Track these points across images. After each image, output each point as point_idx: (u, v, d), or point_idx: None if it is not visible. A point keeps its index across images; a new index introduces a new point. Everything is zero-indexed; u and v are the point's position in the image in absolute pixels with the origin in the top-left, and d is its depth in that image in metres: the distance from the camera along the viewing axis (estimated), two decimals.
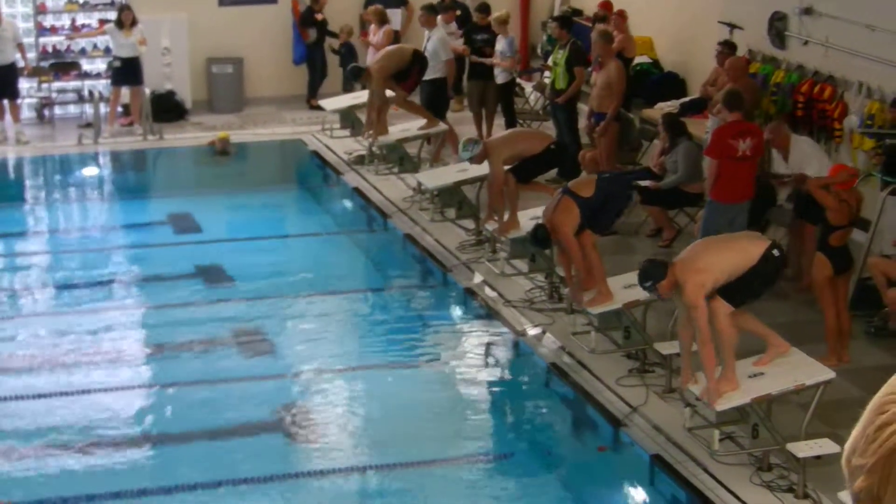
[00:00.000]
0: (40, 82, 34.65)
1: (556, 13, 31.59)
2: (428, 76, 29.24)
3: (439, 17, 30.49)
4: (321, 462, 18.82)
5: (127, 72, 32.74)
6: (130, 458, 18.69)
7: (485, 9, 30.72)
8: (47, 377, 20.98)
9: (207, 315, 23.34)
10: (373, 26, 32.36)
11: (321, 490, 18.27)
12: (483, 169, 24.04)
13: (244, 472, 17.94)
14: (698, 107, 27.25)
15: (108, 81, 33.63)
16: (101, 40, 34.56)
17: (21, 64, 33.21)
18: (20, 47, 33.17)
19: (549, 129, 28.16)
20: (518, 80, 30.67)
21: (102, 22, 33.99)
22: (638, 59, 30.28)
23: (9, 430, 19.31)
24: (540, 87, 30.18)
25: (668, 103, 28.33)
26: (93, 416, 19.55)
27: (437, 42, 29.47)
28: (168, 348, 22.09)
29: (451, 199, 25.26)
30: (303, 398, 20.44)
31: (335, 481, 18.49)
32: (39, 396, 20.16)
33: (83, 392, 20.33)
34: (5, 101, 32.71)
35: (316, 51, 34.15)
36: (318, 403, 20.33)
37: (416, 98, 29.36)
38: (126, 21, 32.64)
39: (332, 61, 34.28)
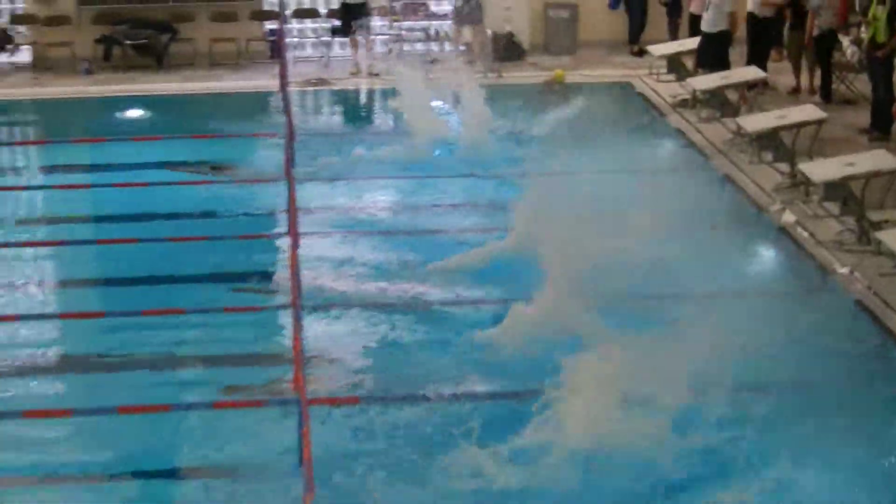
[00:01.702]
0: (392, 21, 36.09)
1: None
2: (712, 29, 29.94)
3: None
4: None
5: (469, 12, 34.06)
6: None
7: None
8: None
9: None
10: None
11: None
12: (801, 114, 25.11)
13: None
14: None
15: (451, 21, 35.12)
16: None
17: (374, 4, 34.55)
18: None
19: (865, 82, 28.50)
20: (837, 33, 29.93)
21: None
22: None
23: None
24: (857, 41, 29.75)
25: None
26: None
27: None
28: None
29: (768, 143, 25.17)
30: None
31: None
32: None
33: None
34: (360, 37, 34.30)
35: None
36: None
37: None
38: None
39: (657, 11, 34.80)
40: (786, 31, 31.10)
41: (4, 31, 35.91)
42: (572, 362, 16.43)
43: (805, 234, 21.77)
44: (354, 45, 34.93)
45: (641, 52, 33.23)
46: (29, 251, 24.80)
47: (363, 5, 34.18)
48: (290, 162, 18.88)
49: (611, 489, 15.37)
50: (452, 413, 16.99)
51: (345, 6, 34.34)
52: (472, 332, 19.47)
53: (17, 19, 36.63)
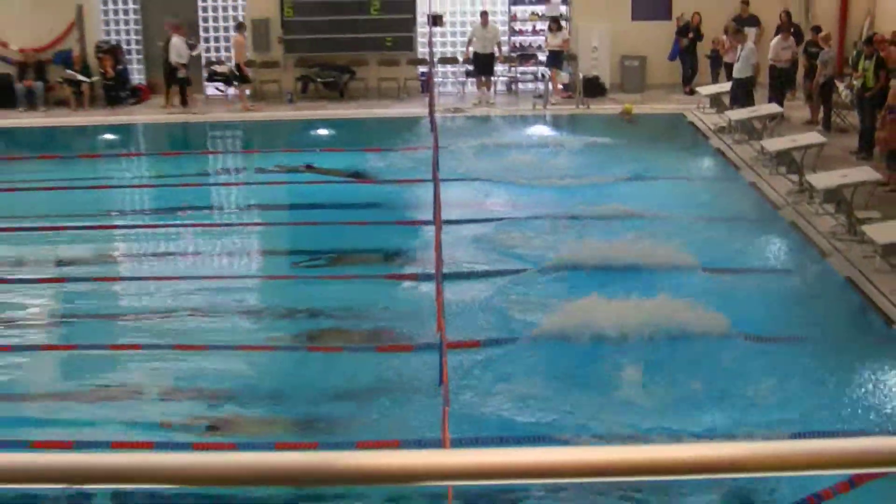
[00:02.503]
0: (510, 67, 36.12)
1: (864, 37, 30.73)
2: (741, 75, 30.18)
3: (778, 36, 30.93)
4: None
5: (555, 59, 34.41)
6: None
7: (817, 29, 31.01)
8: None
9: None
10: (728, 39, 32.61)
11: None
12: (808, 139, 25.01)
13: None
14: None
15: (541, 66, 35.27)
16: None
17: (497, 54, 34.86)
18: (498, 44, 34.75)
19: (855, 116, 28.43)
20: (835, 80, 30.03)
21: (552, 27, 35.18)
22: None
23: None
24: (850, 87, 29.49)
25: None
26: None
27: (749, 51, 30.23)
28: None
29: (783, 159, 25.02)
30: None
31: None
32: None
33: None
34: (485, 78, 34.53)
35: (686, 53, 34.44)
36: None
37: None
38: (554, 27, 34.33)
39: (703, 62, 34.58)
40: (802, 79, 30.99)
41: (232, 71, 36.29)
42: None
43: (808, 226, 21.59)
44: (480, 84, 35.01)
45: (691, 92, 33.31)
46: (256, 229, 25.06)
47: (490, 55, 34.42)
48: (435, 167, 19.05)
49: None
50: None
51: (476, 56, 34.32)
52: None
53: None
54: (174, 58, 34.55)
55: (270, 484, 3.11)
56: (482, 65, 34.78)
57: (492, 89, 35.55)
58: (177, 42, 34.39)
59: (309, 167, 28.72)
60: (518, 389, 15.64)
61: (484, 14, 34.76)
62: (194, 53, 35.22)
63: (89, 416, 16.06)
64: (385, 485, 2.98)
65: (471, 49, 34.85)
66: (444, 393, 12.30)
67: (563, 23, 35.04)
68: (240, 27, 35.06)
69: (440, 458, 3.06)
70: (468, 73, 35.51)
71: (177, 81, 35.06)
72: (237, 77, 35.39)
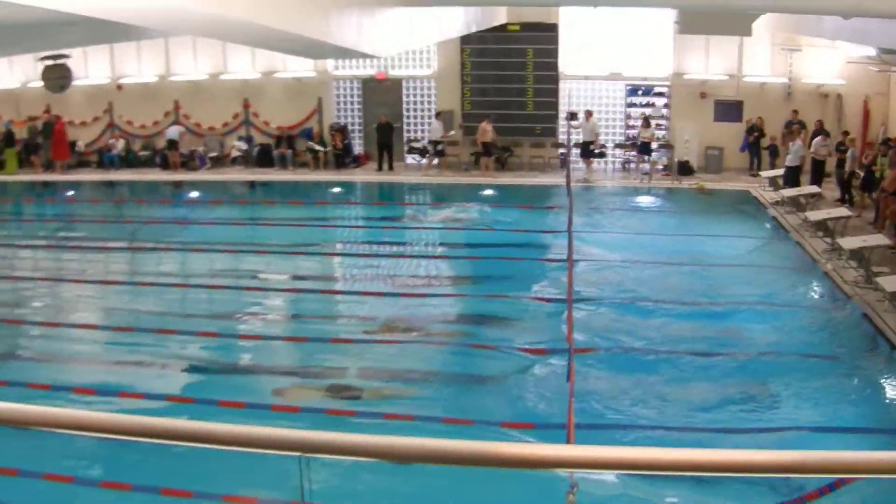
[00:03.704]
0: (624, 151, 36.01)
1: (879, 140, 30.54)
2: (791, 164, 30.28)
3: (819, 137, 30.64)
4: None
5: (645, 148, 34.41)
6: None
7: (845, 133, 30.83)
8: None
9: None
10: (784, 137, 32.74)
11: None
12: (838, 212, 24.91)
13: None
14: None
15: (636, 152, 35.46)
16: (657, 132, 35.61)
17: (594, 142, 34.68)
18: (596, 136, 34.85)
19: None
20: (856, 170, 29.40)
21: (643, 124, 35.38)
22: None
23: None
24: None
25: None
26: None
27: (798, 147, 30.29)
28: None
29: (821, 226, 24.94)
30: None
31: None
32: None
33: None
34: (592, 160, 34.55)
35: (753, 146, 34.05)
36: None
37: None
38: (644, 124, 34.41)
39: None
40: (834, 169, 30.67)
41: (425, 147, 36.78)
42: None
43: (837, 276, 21.48)
44: (588, 163, 35.00)
45: (755, 175, 33.13)
46: (435, 261, 25.26)
47: (590, 142, 34.62)
48: (570, 222, 19.30)
49: None
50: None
51: (584, 143, 34.44)
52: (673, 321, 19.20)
53: (432, 142, 37.05)
54: (433, 136, 35.14)
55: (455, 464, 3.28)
56: (585, 149, 34.75)
57: (594, 168, 35.41)
58: (436, 126, 35.02)
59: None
60: (623, 386, 15.88)
61: (589, 112, 34.90)
62: (450, 134, 35.58)
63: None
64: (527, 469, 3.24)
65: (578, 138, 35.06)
66: (570, 388, 12.10)
67: (651, 121, 35.06)
68: (488, 118, 35.26)
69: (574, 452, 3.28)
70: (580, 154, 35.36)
71: (437, 154, 35.84)
72: (437, 152, 35.90)
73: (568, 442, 10.53)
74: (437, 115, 35.50)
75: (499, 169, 35.67)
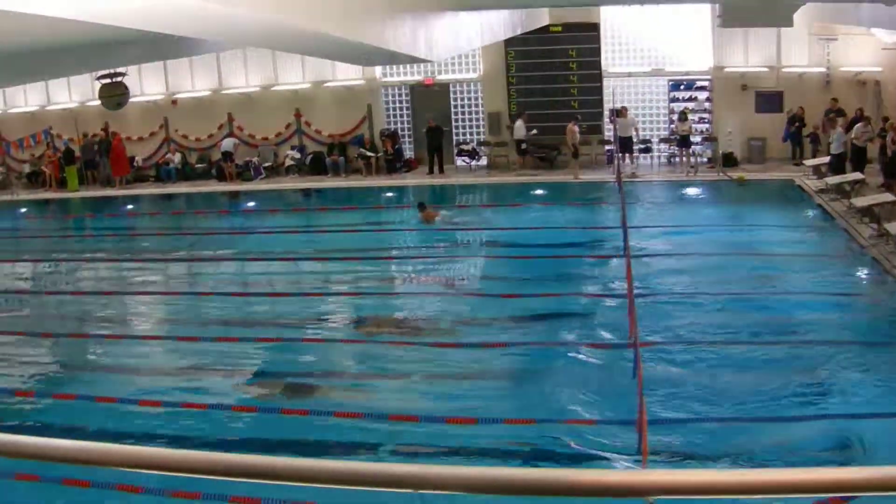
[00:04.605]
0: (669, 146, 35.63)
1: None
2: (835, 151, 29.69)
3: (860, 123, 30.19)
4: None
5: (684, 142, 34.19)
6: None
7: (885, 119, 30.07)
8: None
9: None
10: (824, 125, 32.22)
11: None
12: (883, 197, 24.15)
13: None
14: None
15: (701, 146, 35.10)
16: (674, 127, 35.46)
17: (635, 137, 34.67)
18: (636, 129, 34.63)
19: None
20: None
21: (681, 118, 35.00)
22: None
23: None
24: None
25: None
26: None
27: (840, 134, 29.73)
28: None
29: (866, 212, 24.46)
30: None
31: None
32: None
33: None
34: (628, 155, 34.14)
35: (794, 135, 33.59)
36: None
37: None
38: (682, 118, 34.04)
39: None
40: (877, 155, 29.99)
41: (474, 149, 36.64)
42: None
43: (885, 261, 21.15)
44: (630, 159, 34.68)
45: (799, 164, 32.67)
46: (492, 261, 24.82)
47: (629, 138, 34.33)
48: (624, 217, 19.04)
49: None
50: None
51: (620, 138, 33.92)
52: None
53: (480, 143, 37.09)
54: (517, 135, 34.93)
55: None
56: (623, 145, 34.36)
57: (632, 160, 35.11)
58: (519, 125, 34.81)
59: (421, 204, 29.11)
60: (684, 379, 15.55)
61: (623, 108, 34.54)
62: (532, 133, 35.32)
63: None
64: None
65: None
66: (639, 385, 11.76)
67: (687, 115, 34.62)
68: (575, 119, 35.05)
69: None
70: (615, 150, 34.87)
71: (521, 152, 35.43)
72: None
73: (641, 438, 10.27)
74: (519, 115, 35.17)
75: (547, 168, 35.31)
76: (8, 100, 41.95)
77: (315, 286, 23.23)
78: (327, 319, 20.70)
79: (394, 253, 26.28)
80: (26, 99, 41.74)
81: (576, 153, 34.79)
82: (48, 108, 41.49)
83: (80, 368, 18.92)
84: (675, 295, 20.13)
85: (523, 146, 35.32)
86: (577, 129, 34.70)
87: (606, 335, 17.88)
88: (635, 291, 17.31)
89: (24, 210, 37.56)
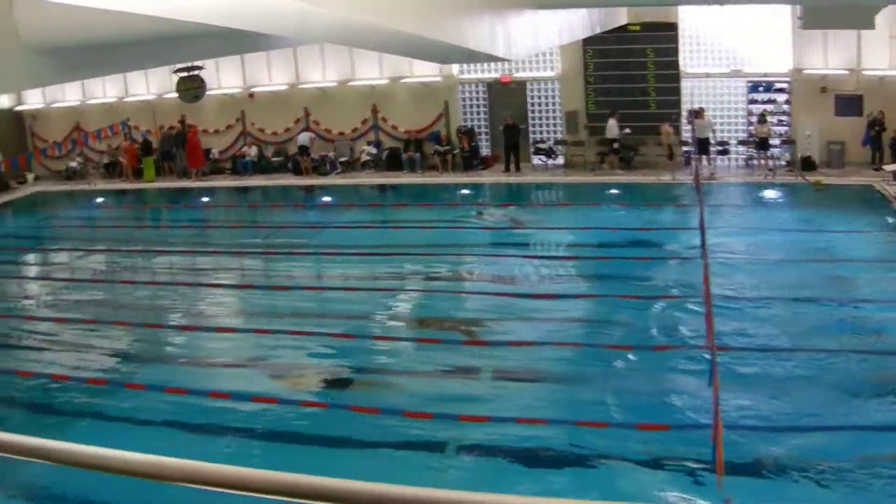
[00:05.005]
0: (747, 148, 34.97)
1: None
2: None
3: None
4: None
5: (763, 145, 33.78)
6: None
7: None
8: None
9: None
10: None
11: None
12: None
13: None
14: None
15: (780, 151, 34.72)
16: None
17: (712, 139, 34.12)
18: (713, 130, 34.13)
19: None
20: None
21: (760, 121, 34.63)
22: None
23: None
24: None
25: None
26: None
27: None
28: None
29: None
30: None
31: None
32: None
33: None
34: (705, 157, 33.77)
35: (874, 140, 32.87)
36: None
37: None
38: (760, 120, 33.52)
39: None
40: None
41: (550, 148, 36.43)
42: None
43: None
44: (706, 160, 34.10)
45: (879, 169, 32.09)
46: (566, 261, 24.43)
47: (706, 139, 33.81)
48: (702, 220, 18.77)
49: None
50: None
51: (697, 140, 33.50)
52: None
53: (558, 142, 36.78)
54: (610, 134, 34.74)
55: None
56: (700, 146, 33.88)
57: (709, 162, 34.56)
58: (612, 123, 34.58)
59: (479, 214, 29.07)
60: (763, 385, 15.31)
61: (701, 109, 34.09)
62: (624, 132, 35.06)
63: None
64: None
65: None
66: (714, 392, 11.54)
67: (766, 117, 34.09)
68: (669, 120, 34.73)
69: None
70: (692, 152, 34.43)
71: (613, 151, 35.05)
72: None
73: (716, 446, 10.04)
74: (612, 114, 34.89)
75: (624, 168, 34.99)
76: (87, 91, 42.52)
77: (386, 282, 23.15)
78: (397, 316, 20.68)
79: (465, 250, 26.10)
80: (105, 90, 42.34)
81: (671, 154, 34.40)
82: (126, 99, 42.03)
83: (151, 359, 19.10)
84: (750, 299, 19.79)
85: (615, 145, 34.95)
86: (671, 129, 34.35)
87: (680, 338, 17.74)
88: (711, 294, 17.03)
89: (100, 200, 38.03)
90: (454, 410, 15.05)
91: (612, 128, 34.78)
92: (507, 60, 14.33)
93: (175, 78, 21.95)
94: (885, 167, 31.57)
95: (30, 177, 42.12)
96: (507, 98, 37.28)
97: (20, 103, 43.57)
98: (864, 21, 26.96)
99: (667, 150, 34.57)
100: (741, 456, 12.73)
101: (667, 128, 34.32)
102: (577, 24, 24.04)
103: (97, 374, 18.14)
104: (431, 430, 14.56)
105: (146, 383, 17.21)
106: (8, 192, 40.02)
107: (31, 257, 30.39)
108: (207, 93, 23.74)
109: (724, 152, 35.00)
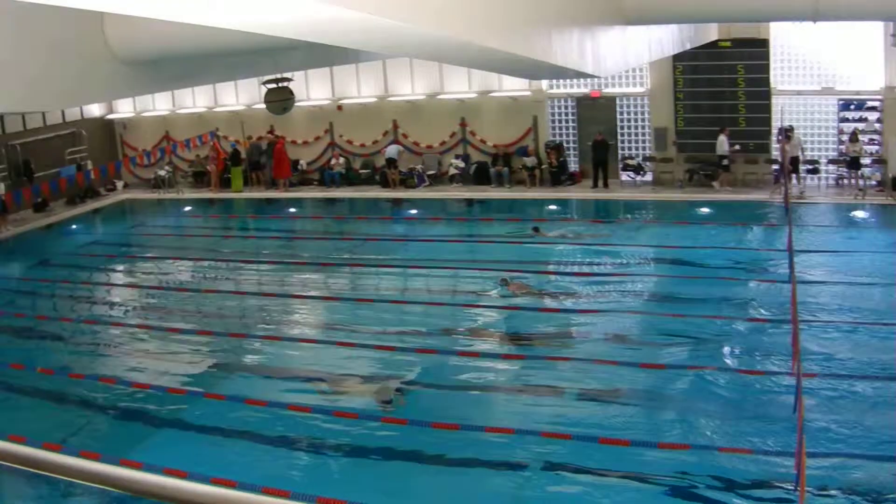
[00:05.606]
0: (837, 167, 34.25)
1: None
2: None
3: None
4: None
5: (854, 163, 33.10)
6: None
7: None
8: None
9: None
10: None
11: None
12: None
13: None
14: None
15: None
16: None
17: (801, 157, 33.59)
18: (801, 149, 33.72)
19: None
20: None
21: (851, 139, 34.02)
22: None
23: None
24: None
25: None
26: None
27: None
28: None
29: None
30: None
31: None
32: None
33: None
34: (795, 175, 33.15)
35: None
36: None
37: None
38: (852, 138, 33.07)
39: None
40: None
41: (639, 164, 36.19)
42: None
43: None
44: (796, 179, 33.52)
45: None
46: (649, 279, 24.20)
47: (796, 158, 33.24)
48: (790, 242, 18.49)
49: None
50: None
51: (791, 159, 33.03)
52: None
53: (646, 158, 36.49)
54: (720, 150, 34.48)
55: None
56: (793, 163, 33.32)
57: (799, 180, 33.88)
58: (722, 139, 34.32)
59: (536, 230, 28.99)
60: (850, 412, 15.05)
61: (790, 128, 33.59)
62: (735, 149, 34.75)
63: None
64: None
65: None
66: (799, 419, 11.33)
67: (858, 136, 33.51)
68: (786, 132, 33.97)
69: None
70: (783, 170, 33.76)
71: (722, 167, 34.70)
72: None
73: (799, 475, 9.89)
74: (721, 130, 34.57)
75: (732, 184, 34.62)
76: (176, 101, 43.18)
77: (471, 298, 23.09)
78: (480, 331, 20.59)
79: (551, 267, 25.97)
80: (194, 100, 43.03)
81: (795, 168, 33.93)
82: (215, 109, 42.66)
83: (233, 368, 19.26)
84: (837, 323, 19.44)
85: (724, 162, 34.60)
86: (788, 142, 33.99)
87: (765, 361, 17.48)
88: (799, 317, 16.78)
89: (188, 208, 38.58)
90: (535, 427, 15.01)
91: (722, 144, 34.40)
92: (594, 77, 14.29)
93: (264, 89, 22.18)
94: None
95: (119, 184, 42.96)
96: (596, 113, 37.12)
97: (111, 112, 44.41)
98: None
99: (788, 165, 34.02)
100: (824, 483, 12.58)
101: (793, 142, 33.78)
102: (666, 40, 23.91)
103: (178, 383, 18.35)
104: (512, 448, 14.51)
105: (226, 393, 17.35)
106: (97, 199, 40.78)
107: (118, 264, 30.83)
108: (296, 104, 23.95)
109: (814, 171, 34.52)
